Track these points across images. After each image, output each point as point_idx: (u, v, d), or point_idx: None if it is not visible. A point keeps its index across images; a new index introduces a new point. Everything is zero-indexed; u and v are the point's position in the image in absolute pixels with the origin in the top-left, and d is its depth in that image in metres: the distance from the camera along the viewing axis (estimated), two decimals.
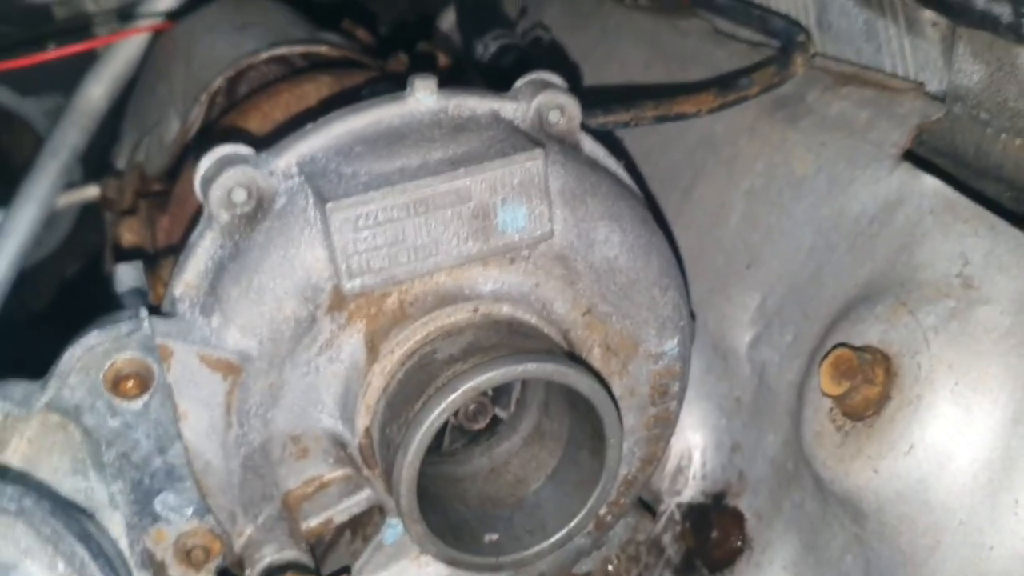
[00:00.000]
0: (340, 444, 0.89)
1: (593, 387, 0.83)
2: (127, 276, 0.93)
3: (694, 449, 1.15)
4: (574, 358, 0.89)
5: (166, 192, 1.09)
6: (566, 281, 0.89)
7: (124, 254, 1.09)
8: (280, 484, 0.89)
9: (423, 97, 0.87)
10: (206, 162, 0.85)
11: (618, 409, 0.85)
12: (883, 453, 0.88)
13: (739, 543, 1.10)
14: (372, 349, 0.86)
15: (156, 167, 1.12)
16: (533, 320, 0.89)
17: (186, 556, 0.84)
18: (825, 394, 0.92)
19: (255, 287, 0.83)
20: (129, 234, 1.11)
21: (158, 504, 0.82)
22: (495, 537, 0.88)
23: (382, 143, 0.85)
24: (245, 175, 0.83)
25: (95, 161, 1.50)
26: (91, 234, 1.72)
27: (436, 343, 0.85)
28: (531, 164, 0.83)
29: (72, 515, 0.72)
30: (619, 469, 0.87)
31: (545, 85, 0.90)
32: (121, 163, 1.27)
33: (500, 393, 0.95)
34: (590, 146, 0.93)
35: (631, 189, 0.96)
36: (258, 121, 1.06)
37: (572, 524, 0.87)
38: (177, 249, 0.99)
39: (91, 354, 0.76)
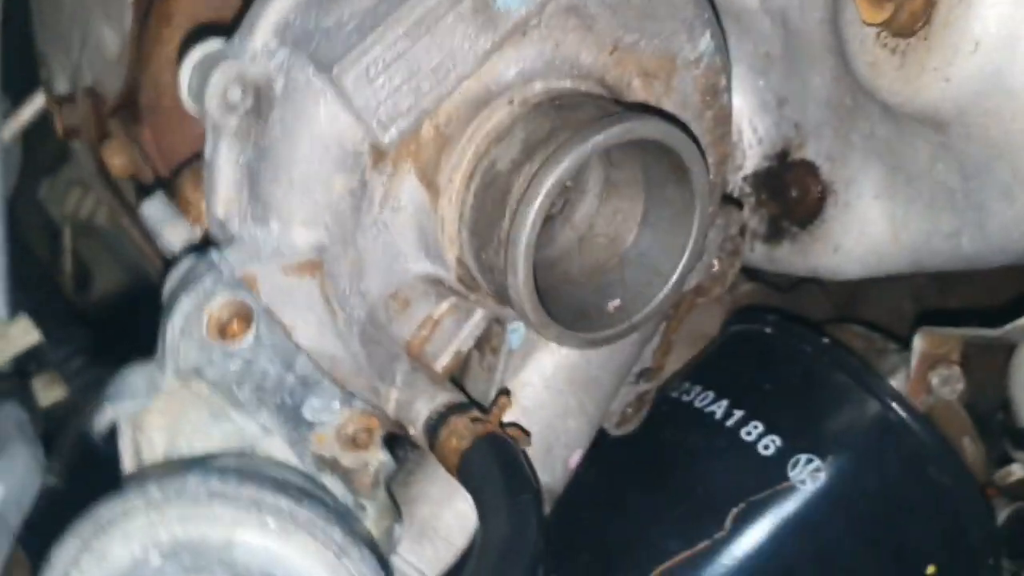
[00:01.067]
0: (436, 281, 0.88)
1: (662, 128, 0.80)
2: (157, 211, 0.89)
3: (740, 120, 1.13)
4: (627, 105, 0.86)
5: (133, 104, 1.02)
6: (583, 29, 0.84)
7: (134, 189, 1.04)
8: (399, 340, 0.88)
9: None
10: (185, 75, 0.79)
11: (691, 135, 0.82)
12: (949, 60, 0.86)
13: (819, 191, 1.10)
14: (430, 185, 0.83)
15: (112, 87, 1.05)
16: (568, 84, 0.85)
17: (352, 442, 0.85)
18: (868, 23, 0.89)
19: (298, 179, 0.79)
20: (117, 159, 1.05)
21: (307, 413, 0.83)
22: (617, 302, 0.88)
23: None
24: (231, 71, 0.78)
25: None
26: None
27: (491, 153, 0.82)
28: None
29: (251, 473, 0.73)
30: (707, 189, 0.85)
31: None
32: (62, 87, 1.19)
33: None
34: None
35: None
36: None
37: (685, 258, 0.87)
38: (182, 162, 0.94)
39: (189, 319, 0.74)
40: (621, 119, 0.79)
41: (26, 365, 1.53)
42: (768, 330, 1.22)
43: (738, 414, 1.14)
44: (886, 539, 1.11)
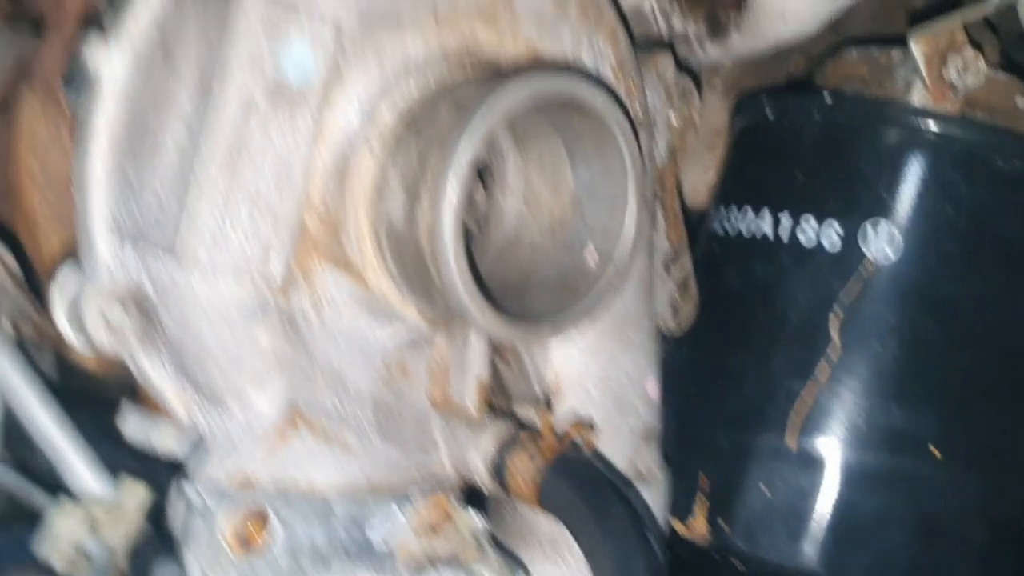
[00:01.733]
0: (413, 334, 0.82)
1: (525, 92, 0.71)
2: (137, 427, 0.85)
3: None
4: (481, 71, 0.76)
5: None
6: (393, 27, 0.75)
7: None
8: (420, 404, 0.84)
9: None
10: (61, 319, 0.76)
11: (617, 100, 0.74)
12: None
13: None
14: (347, 266, 0.77)
15: None
16: (414, 91, 0.76)
17: (434, 530, 0.82)
18: None
19: (223, 358, 0.74)
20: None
21: (375, 541, 0.80)
22: (591, 247, 0.81)
23: None
24: (98, 297, 0.74)
25: None
26: None
27: (381, 212, 0.75)
28: None
29: None
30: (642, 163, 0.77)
31: None
32: None
33: None
34: None
35: None
36: None
37: (632, 176, 0.78)
38: None
39: (212, 551, 0.72)
40: (477, 116, 0.69)
41: None
42: (771, 116, 1.12)
43: (785, 219, 1.05)
44: (992, 253, 1.03)
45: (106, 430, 1.69)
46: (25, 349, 1.63)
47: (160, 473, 1.61)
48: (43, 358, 1.82)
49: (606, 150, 0.79)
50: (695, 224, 1.17)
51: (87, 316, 0.73)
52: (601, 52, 0.85)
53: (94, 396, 1.87)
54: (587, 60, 0.85)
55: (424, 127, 0.74)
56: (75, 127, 0.82)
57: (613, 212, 0.80)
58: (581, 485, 0.77)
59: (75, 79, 0.76)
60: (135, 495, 1.46)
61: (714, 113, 1.35)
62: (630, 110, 0.88)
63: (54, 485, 1.55)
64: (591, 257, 0.81)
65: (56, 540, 1.42)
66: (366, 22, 0.73)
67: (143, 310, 0.73)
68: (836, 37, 1.25)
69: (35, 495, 1.64)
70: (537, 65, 0.79)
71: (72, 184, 0.77)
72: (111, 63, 0.73)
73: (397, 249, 0.75)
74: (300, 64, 0.70)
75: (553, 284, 0.82)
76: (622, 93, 0.87)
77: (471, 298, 0.72)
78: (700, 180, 1.35)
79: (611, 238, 0.80)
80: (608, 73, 0.86)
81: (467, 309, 0.72)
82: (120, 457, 1.65)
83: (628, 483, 0.91)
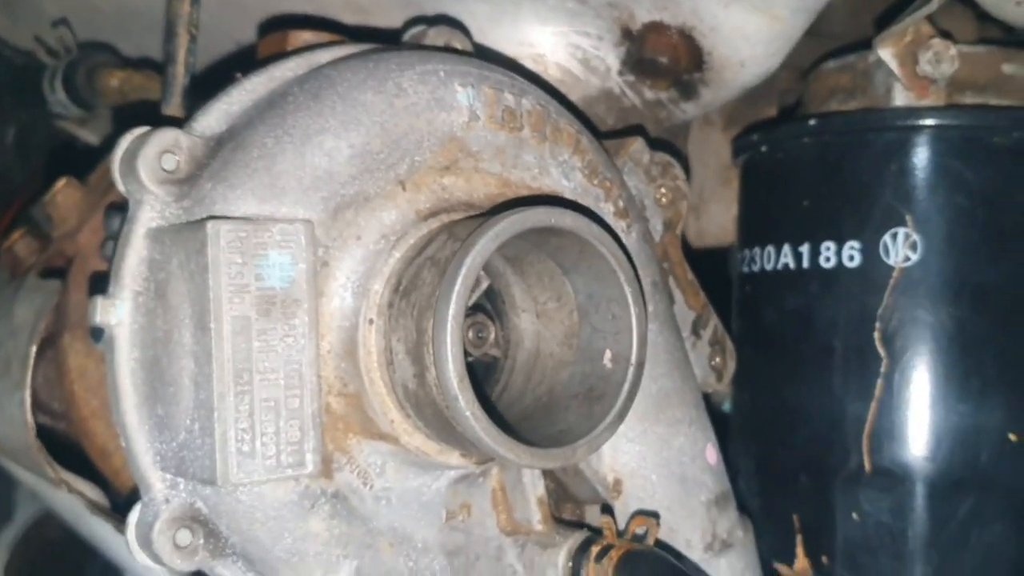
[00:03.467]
0: (467, 473, 0.85)
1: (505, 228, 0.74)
2: None
3: (569, 51, 1.04)
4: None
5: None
6: (368, 209, 0.80)
7: None
8: (491, 537, 0.87)
9: None
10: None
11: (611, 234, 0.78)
12: None
13: (677, 36, 1.01)
14: (383, 436, 0.81)
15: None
16: (397, 260, 0.80)
17: None
18: None
19: (291, 558, 0.78)
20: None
21: None
22: (608, 353, 0.83)
23: None
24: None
25: None
26: None
27: (394, 373, 0.78)
28: None
29: None
30: (636, 278, 0.80)
31: None
32: None
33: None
34: None
35: None
36: None
37: (628, 285, 0.81)
38: None
39: None
40: (451, 276, 0.73)
41: None
42: (764, 148, 1.13)
43: (805, 249, 1.06)
44: (1015, 230, 1.02)
45: None
46: None
47: None
48: None
49: (592, 259, 0.81)
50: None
51: (158, 545, 0.77)
52: (568, 163, 0.88)
53: None
54: (555, 175, 0.88)
55: (412, 292, 0.78)
56: None
57: (617, 314, 0.83)
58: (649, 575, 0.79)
59: (98, 332, 0.81)
60: None
61: (720, 148, 1.37)
62: (611, 207, 0.91)
63: None
64: (608, 360, 0.83)
65: None
66: (335, 211, 0.78)
67: (206, 528, 0.78)
68: (817, 40, 1.26)
69: None
70: (504, 204, 0.82)
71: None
72: (116, 313, 0.78)
73: (420, 411, 0.79)
74: (282, 271, 0.75)
75: (581, 394, 0.84)
76: (599, 194, 0.90)
77: (499, 444, 0.74)
78: (724, 217, 1.37)
79: (622, 339, 0.82)
80: (580, 179, 0.89)
81: (497, 453, 0.75)
82: None
83: (688, 561, 0.92)
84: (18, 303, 1.05)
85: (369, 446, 0.81)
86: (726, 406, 1.23)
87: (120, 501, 1.05)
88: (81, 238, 1.03)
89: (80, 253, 1.02)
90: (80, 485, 1.02)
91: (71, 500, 1.52)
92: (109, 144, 1.13)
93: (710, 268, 1.16)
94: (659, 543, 0.87)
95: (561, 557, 0.85)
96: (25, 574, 1.91)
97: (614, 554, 0.82)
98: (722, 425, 1.08)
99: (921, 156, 1.02)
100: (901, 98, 1.04)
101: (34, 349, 0.97)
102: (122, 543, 1.21)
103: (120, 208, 0.86)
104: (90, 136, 1.50)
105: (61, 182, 1.06)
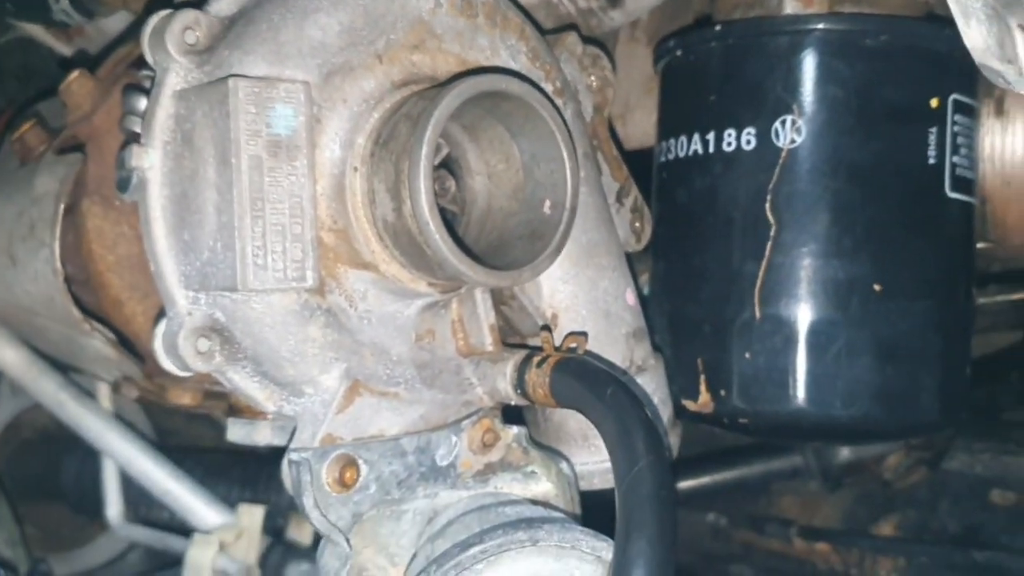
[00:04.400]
0: (432, 302, 1.05)
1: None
2: (240, 430, 1.08)
3: None
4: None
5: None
6: (353, 79, 0.98)
7: None
8: (452, 357, 1.06)
9: None
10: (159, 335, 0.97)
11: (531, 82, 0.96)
12: None
13: None
14: (366, 265, 0.99)
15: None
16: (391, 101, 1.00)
17: (485, 445, 1.05)
18: None
19: (288, 355, 0.97)
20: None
21: (442, 462, 1.02)
22: (547, 202, 1.02)
23: None
24: (192, 328, 0.96)
25: None
26: None
27: (378, 205, 0.97)
28: None
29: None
30: (571, 139, 0.99)
31: None
32: None
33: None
34: None
35: None
36: None
37: (564, 149, 1.00)
38: None
39: (319, 493, 0.94)
40: (423, 125, 0.92)
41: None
42: (680, 54, 1.33)
43: (711, 137, 1.26)
44: (882, 116, 1.23)
45: (211, 469, 1.95)
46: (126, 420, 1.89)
47: (266, 495, 1.87)
48: (141, 423, 2.08)
49: (535, 123, 1.01)
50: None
51: (183, 350, 0.95)
52: (515, 47, 1.07)
53: (189, 446, 2.14)
54: (504, 56, 1.07)
55: (390, 142, 0.96)
56: (133, 219, 1.05)
57: (555, 169, 1.02)
58: (581, 377, 0.99)
59: (125, 181, 0.99)
60: (252, 516, 1.72)
61: (643, 62, 1.57)
62: (550, 86, 1.10)
63: (182, 529, 1.80)
64: (548, 208, 1.03)
65: (197, 569, 1.68)
66: (327, 76, 0.96)
67: (222, 335, 0.96)
68: None
69: (168, 540, 1.90)
70: (462, 73, 1.01)
71: (144, 260, 1.00)
72: (149, 158, 0.96)
73: (397, 241, 0.98)
74: (286, 121, 0.93)
75: (525, 236, 1.04)
76: (540, 75, 1.09)
77: (461, 263, 0.94)
78: (648, 122, 1.56)
79: (559, 189, 1.02)
80: (524, 62, 1.08)
81: (461, 272, 0.95)
82: (229, 489, 1.91)
83: (619, 369, 1.13)
84: (39, 175, 1.21)
85: (354, 274, 1.00)
86: (647, 289, 1.43)
87: (129, 347, 1.23)
88: (96, 119, 1.19)
89: (95, 133, 1.19)
90: (98, 326, 1.19)
91: (61, 383, 1.68)
92: (109, 50, 1.30)
93: (634, 168, 1.37)
94: (588, 354, 1.07)
95: (509, 368, 1.05)
96: (4, 469, 2.05)
97: (551, 360, 1.02)
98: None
99: (806, 56, 1.22)
100: (791, 7, 1.25)
101: (62, 207, 1.14)
102: (103, 425, 1.39)
103: (137, 88, 1.04)
104: (66, 49, 1.66)
105: (75, 73, 1.22)
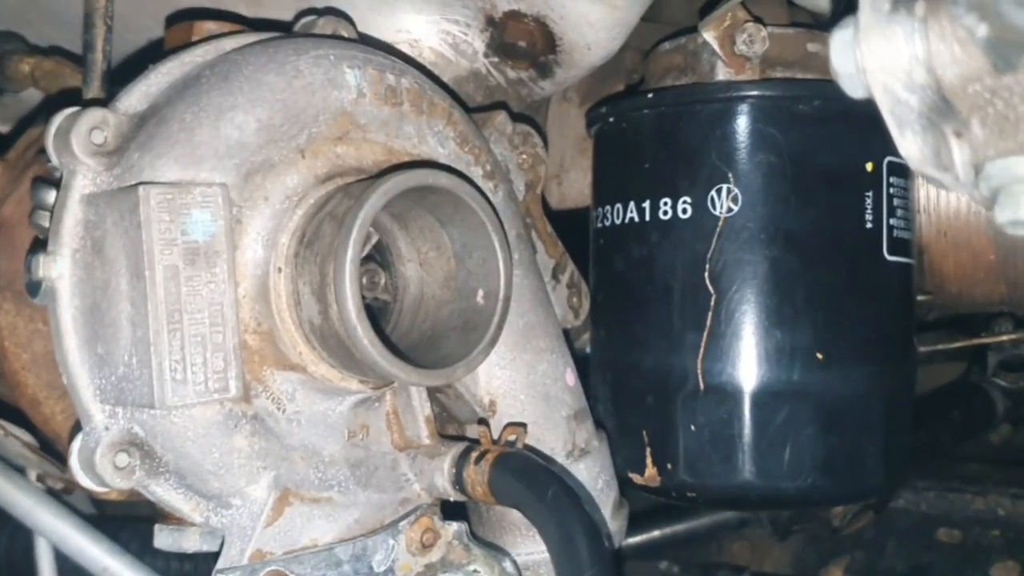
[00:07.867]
0: (365, 397, 1.01)
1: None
2: (167, 538, 1.03)
3: (440, 39, 1.19)
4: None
5: None
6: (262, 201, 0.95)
7: None
8: (387, 453, 1.02)
9: None
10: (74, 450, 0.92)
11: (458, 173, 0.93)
12: None
13: (533, 24, 1.17)
14: (293, 367, 0.95)
15: None
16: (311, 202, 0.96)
17: (424, 546, 1.01)
18: None
19: (211, 467, 0.92)
20: None
21: (379, 568, 0.98)
22: (480, 292, 0.99)
23: None
24: (113, 443, 0.90)
25: None
26: None
27: (301, 303, 0.93)
28: None
29: None
30: (502, 229, 0.96)
31: None
32: None
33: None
34: None
35: None
36: None
37: (497, 242, 0.97)
38: None
39: None
40: (348, 227, 0.88)
41: None
42: (611, 119, 1.30)
43: (647, 205, 1.24)
44: (817, 182, 1.21)
45: (148, 542, 1.88)
46: (59, 496, 1.82)
47: (205, 566, 1.81)
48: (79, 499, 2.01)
49: (465, 214, 0.97)
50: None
51: (100, 467, 0.90)
52: (442, 133, 1.04)
53: (128, 518, 2.06)
54: (432, 143, 1.03)
55: (315, 242, 0.93)
56: (47, 319, 1.01)
57: (487, 259, 0.99)
58: (521, 476, 0.96)
59: (35, 287, 0.94)
60: None
61: (577, 122, 1.55)
62: (480, 170, 1.07)
63: None
64: (481, 298, 1.00)
65: None
66: (246, 176, 0.92)
67: (142, 450, 0.91)
68: (657, 26, 1.44)
69: None
70: (388, 168, 0.98)
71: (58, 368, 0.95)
72: (57, 267, 0.91)
73: (324, 343, 0.94)
74: (204, 227, 0.89)
75: (459, 327, 1.01)
76: (469, 159, 1.06)
77: (392, 365, 0.90)
78: (584, 182, 1.54)
79: (492, 279, 0.99)
80: (452, 147, 1.05)
81: (392, 375, 0.91)
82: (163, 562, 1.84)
83: (555, 463, 1.10)
84: None
85: (281, 376, 0.96)
86: (588, 348, 1.41)
87: (48, 446, 1.18)
88: (5, 210, 1.14)
89: (6, 224, 1.14)
90: (15, 430, 1.14)
91: None
92: (20, 128, 1.25)
93: (571, 227, 1.34)
94: (527, 447, 1.04)
95: (446, 463, 1.01)
96: None
97: (490, 456, 0.99)
98: (583, 364, 1.26)
99: (739, 122, 1.20)
100: (723, 73, 1.23)
101: None
102: (33, 502, 1.33)
103: (46, 181, 0.99)
104: None
105: None
